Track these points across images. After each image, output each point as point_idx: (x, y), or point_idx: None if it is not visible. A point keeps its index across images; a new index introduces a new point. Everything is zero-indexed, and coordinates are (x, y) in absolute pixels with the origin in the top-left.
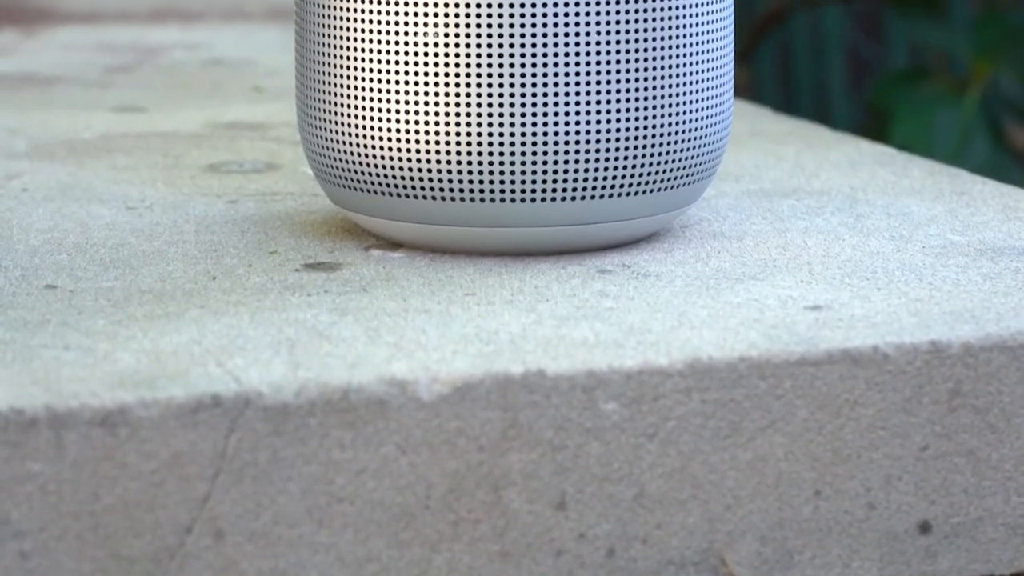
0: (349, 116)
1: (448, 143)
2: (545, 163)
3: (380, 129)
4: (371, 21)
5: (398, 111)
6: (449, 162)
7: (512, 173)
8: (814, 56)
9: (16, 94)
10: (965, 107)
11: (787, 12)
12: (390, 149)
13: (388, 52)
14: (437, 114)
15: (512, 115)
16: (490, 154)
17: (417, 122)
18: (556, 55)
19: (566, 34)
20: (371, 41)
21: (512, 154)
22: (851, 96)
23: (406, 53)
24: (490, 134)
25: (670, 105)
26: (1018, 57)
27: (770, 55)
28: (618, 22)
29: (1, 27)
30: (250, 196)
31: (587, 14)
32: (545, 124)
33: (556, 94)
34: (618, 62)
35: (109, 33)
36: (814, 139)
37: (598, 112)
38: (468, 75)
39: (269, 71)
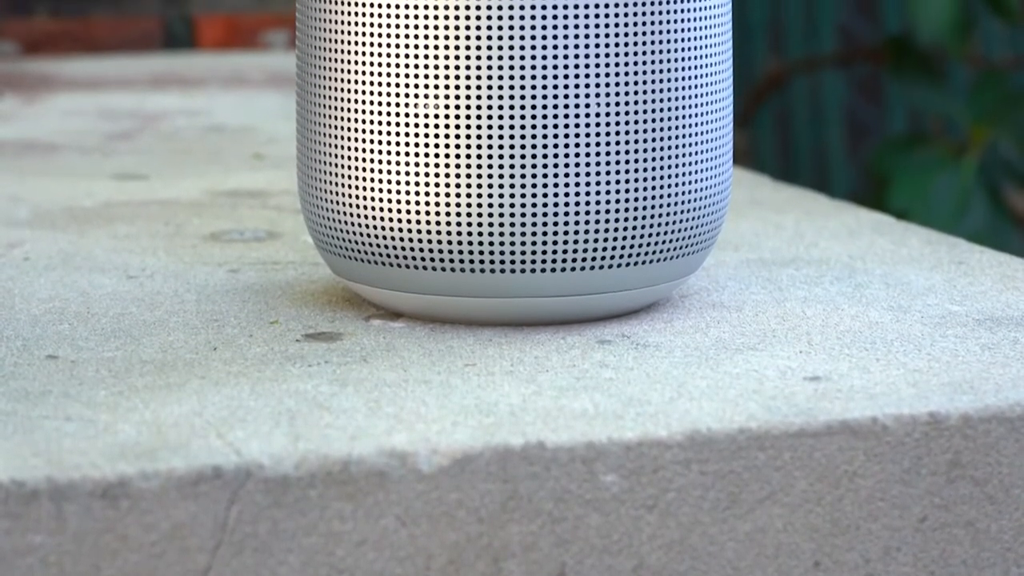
0: (349, 187)
1: (448, 214)
2: (545, 234)
3: (380, 200)
4: (372, 92)
5: (399, 182)
6: (449, 233)
7: (512, 244)
8: (813, 120)
9: (18, 161)
10: (963, 171)
11: (786, 77)
12: (390, 220)
13: (388, 123)
14: (438, 185)
15: (512, 186)
16: (490, 225)
17: (418, 192)
18: (556, 127)
19: (566, 106)
20: (371, 112)
21: (512, 225)
22: (850, 159)
23: (407, 124)
24: (490, 205)
25: (670, 177)
26: (1016, 121)
27: (769, 119)
28: (618, 94)
29: (3, 93)
30: (251, 265)
31: (586, 87)
32: (545, 195)
33: (556, 165)
34: (618, 134)
35: (110, 99)
36: (813, 207)
37: (598, 183)
38: (468, 146)
39: (269, 138)
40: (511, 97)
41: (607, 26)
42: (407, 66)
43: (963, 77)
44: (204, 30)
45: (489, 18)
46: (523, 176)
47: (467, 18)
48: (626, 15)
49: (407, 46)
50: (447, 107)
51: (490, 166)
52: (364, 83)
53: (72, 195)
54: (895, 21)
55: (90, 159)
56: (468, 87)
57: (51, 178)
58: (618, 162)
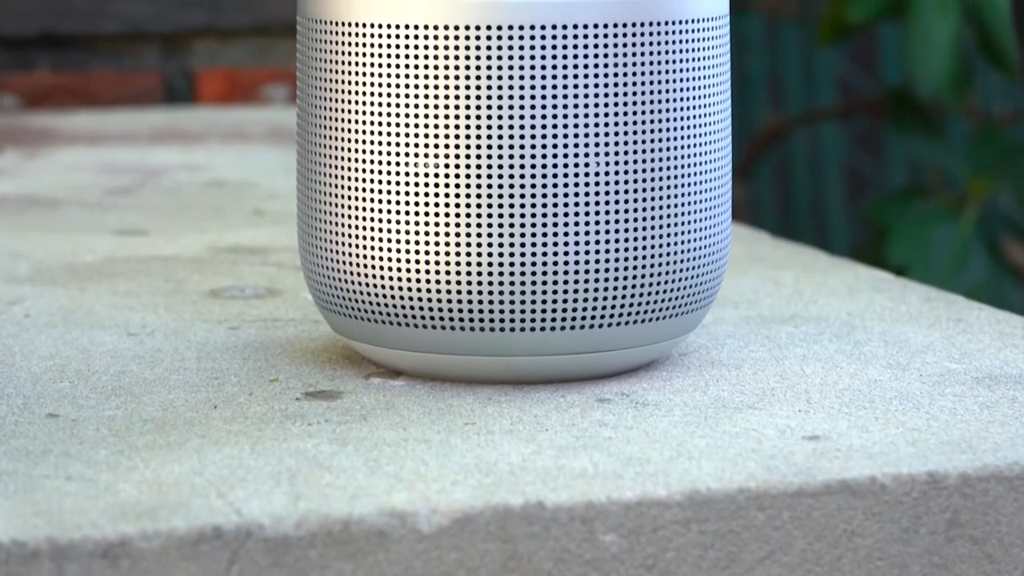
0: (349, 245)
1: (448, 273)
2: (544, 293)
3: (380, 258)
4: (371, 150)
5: (398, 240)
6: (449, 292)
7: (511, 303)
8: (812, 172)
9: (19, 217)
10: (962, 224)
11: (786, 129)
12: (390, 278)
13: (388, 181)
14: (437, 244)
15: (512, 245)
16: (489, 284)
17: (417, 252)
18: (555, 186)
19: (565, 166)
20: (371, 170)
21: (511, 284)
22: (849, 211)
23: (406, 183)
24: (489, 264)
25: (669, 236)
26: (1014, 175)
27: (769, 171)
28: (617, 153)
29: (4, 148)
30: (251, 322)
31: (585, 146)
32: (544, 255)
33: (555, 224)
34: (617, 192)
35: (111, 154)
36: (812, 264)
37: (596, 243)
38: (468, 205)
39: (270, 194)
40: (511, 157)
41: (607, 86)
42: (407, 125)
43: (962, 130)
44: (204, 84)
45: (489, 78)
46: (523, 235)
47: (467, 78)
48: (626, 75)
49: (407, 105)
50: (447, 166)
51: (489, 225)
52: (363, 141)
53: (73, 251)
54: (894, 74)
55: (91, 214)
56: (468, 146)
57: (52, 234)
58: (617, 221)
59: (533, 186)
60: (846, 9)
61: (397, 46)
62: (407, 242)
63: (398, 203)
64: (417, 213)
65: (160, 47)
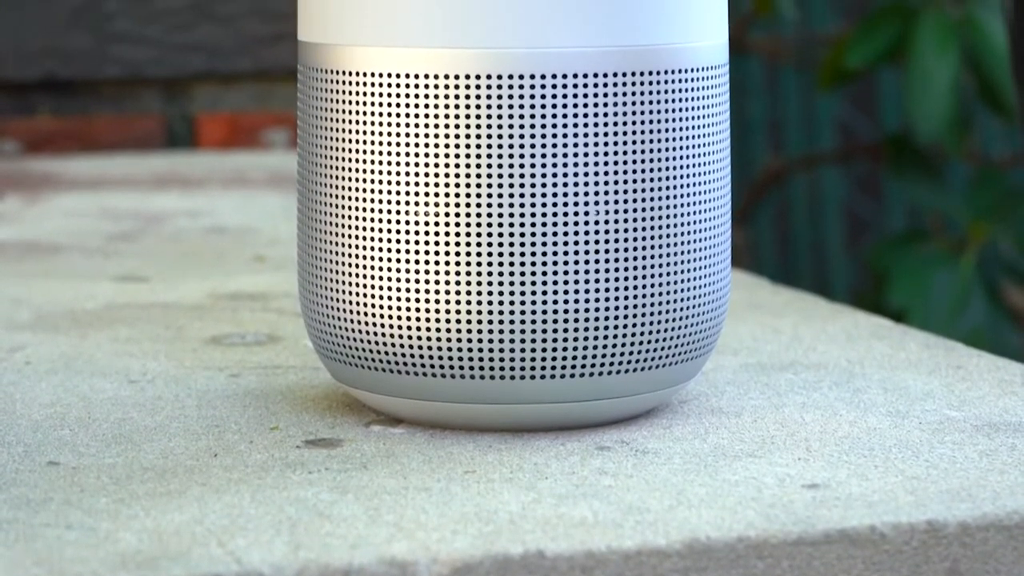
0: (348, 293)
1: (448, 321)
2: (544, 341)
3: (380, 307)
4: (370, 199)
5: (398, 289)
6: (449, 340)
7: (512, 351)
8: (812, 216)
9: (20, 263)
10: (962, 268)
11: (785, 173)
12: (390, 327)
13: (387, 230)
14: (437, 292)
15: (512, 294)
16: (489, 332)
17: (417, 300)
18: (555, 235)
19: (565, 213)
20: (370, 219)
21: (511, 332)
22: (849, 255)
23: (406, 232)
24: (489, 312)
25: (669, 284)
26: (1014, 219)
27: (769, 215)
28: (616, 202)
29: (5, 194)
30: (252, 369)
31: (585, 194)
32: (544, 303)
33: (555, 273)
34: (616, 241)
35: (112, 199)
36: (811, 311)
37: (597, 291)
38: (468, 254)
39: (271, 239)
40: (511, 205)
41: (607, 135)
42: (407, 173)
43: (962, 174)
44: (205, 129)
45: (489, 127)
46: (523, 284)
47: (467, 127)
48: (625, 124)
49: (407, 154)
50: (447, 215)
51: (489, 273)
52: (363, 189)
53: (74, 297)
54: (894, 119)
55: (92, 260)
56: (468, 194)
57: (53, 280)
58: (617, 269)
59: (533, 234)
60: (845, 54)
61: (397, 95)
62: (407, 290)
63: (398, 251)
64: (417, 261)
65: (161, 92)
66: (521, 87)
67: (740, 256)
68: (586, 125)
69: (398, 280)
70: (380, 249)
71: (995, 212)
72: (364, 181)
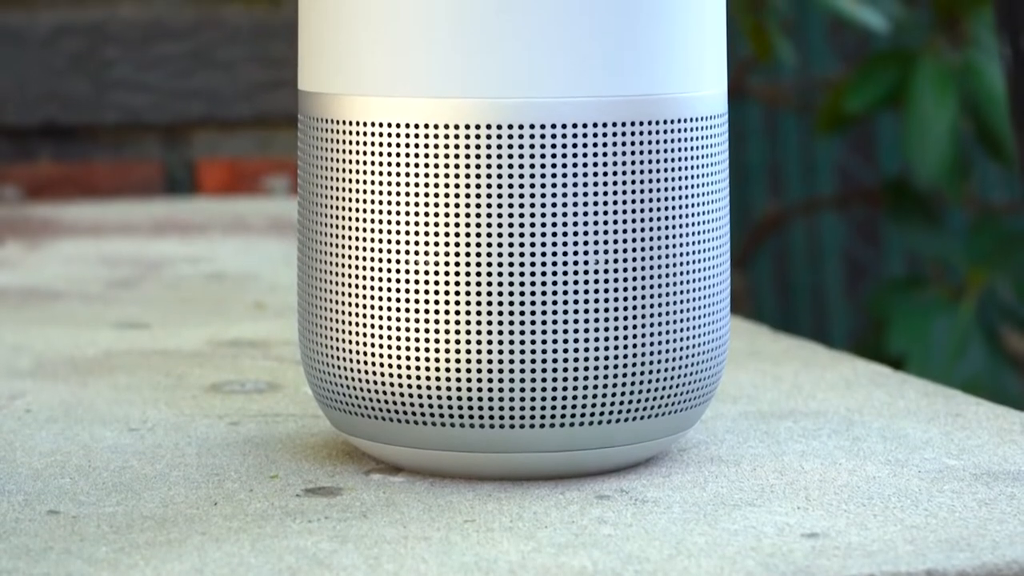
0: (347, 342)
1: (448, 370)
2: (544, 390)
3: (378, 355)
4: (369, 248)
5: (396, 338)
6: (448, 389)
7: (511, 400)
8: (811, 261)
9: (20, 309)
10: (961, 314)
11: (784, 219)
12: (388, 375)
13: (386, 279)
14: (437, 341)
15: (511, 343)
16: (489, 381)
17: (417, 349)
18: (555, 283)
19: (564, 263)
20: (369, 268)
21: (511, 381)
22: (849, 300)
23: (405, 281)
24: (489, 361)
25: (668, 333)
26: (1013, 264)
27: (768, 260)
28: (616, 251)
29: (5, 239)
30: (252, 417)
31: (584, 243)
32: (544, 352)
33: (555, 322)
34: (616, 291)
35: (112, 245)
36: (811, 359)
37: (596, 340)
38: (468, 302)
39: (271, 286)
40: (510, 254)
41: (606, 184)
42: (407, 223)
43: (960, 219)
44: (205, 175)
45: (488, 176)
46: (522, 333)
47: (467, 176)
48: (624, 173)
49: (407, 203)
50: (446, 264)
51: (489, 322)
52: (363, 239)
53: (74, 344)
54: (892, 163)
55: (92, 307)
56: (468, 244)
57: (53, 327)
58: (616, 319)
59: (532, 283)
60: (845, 99)
61: (397, 144)
62: (406, 339)
63: (397, 300)
64: (417, 310)
65: (161, 138)
66: (521, 136)
67: (739, 301)
68: (585, 174)
69: (397, 329)
70: (379, 298)
71: (994, 257)
72: (364, 230)
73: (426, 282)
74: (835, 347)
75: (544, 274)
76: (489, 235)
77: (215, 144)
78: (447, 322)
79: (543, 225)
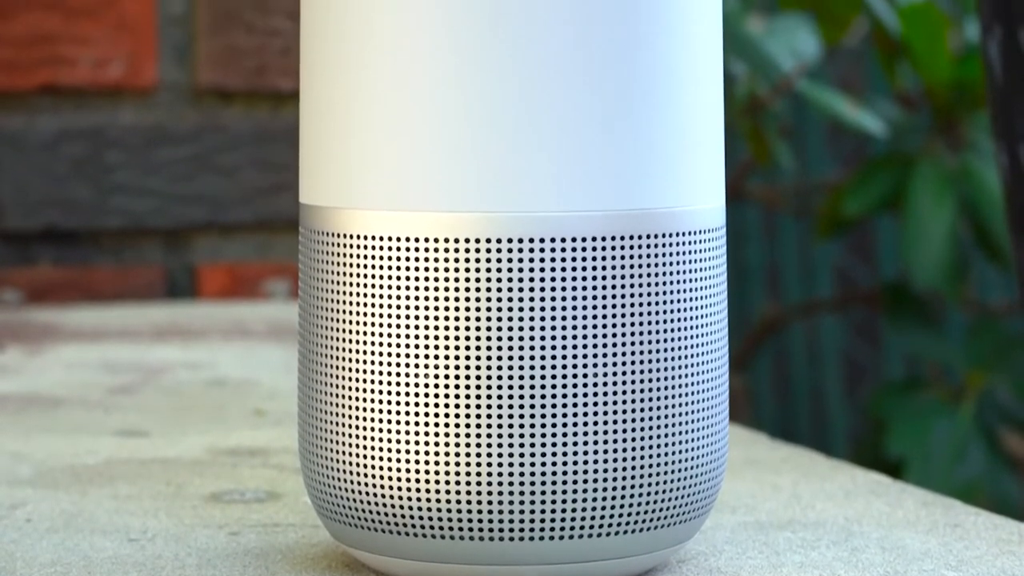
0: (346, 454)
1: (446, 483)
2: (543, 503)
3: (377, 467)
4: (368, 360)
5: (395, 451)
6: (448, 501)
7: (511, 513)
8: (810, 363)
9: (21, 416)
10: (961, 416)
11: (783, 321)
12: (387, 488)
13: (385, 391)
14: (437, 454)
15: (511, 456)
16: (488, 494)
17: (417, 461)
18: (555, 396)
19: (564, 376)
20: (368, 380)
21: (510, 494)
22: (848, 401)
23: (406, 394)
24: (488, 475)
25: (669, 444)
26: (1012, 366)
27: (767, 361)
28: (615, 364)
29: (6, 345)
30: (251, 527)
31: (584, 356)
32: (543, 465)
33: (554, 435)
34: (616, 403)
35: (113, 351)
36: (810, 468)
37: (595, 452)
38: (467, 416)
39: (271, 392)
40: (510, 368)
41: (604, 297)
42: (406, 335)
43: (959, 321)
44: (206, 279)
45: (488, 289)
46: (521, 446)
47: (467, 289)
48: (623, 286)
49: (407, 316)
50: (446, 377)
51: (488, 435)
52: (362, 351)
53: (75, 452)
54: (891, 266)
55: (92, 414)
56: (468, 356)
57: (54, 435)
58: (616, 431)
59: (532, 396)
60: (843, 203)
61: (397, 257)
62: (406, 452)
63: (396, 412)
64: (416, 423)
65: (162, 242)
66: (520, 250)
67: (739, 403)
68: (584, 287)
69: (397, 441)
70: (378, 410)
71: (993, 360)
72: (364, 342)
73: (426, 395)
74: (835, 448)
75: (544, 387)
76: (489, 348)
77: (216, 248)
78: (447, 435)
79: (543, 338)
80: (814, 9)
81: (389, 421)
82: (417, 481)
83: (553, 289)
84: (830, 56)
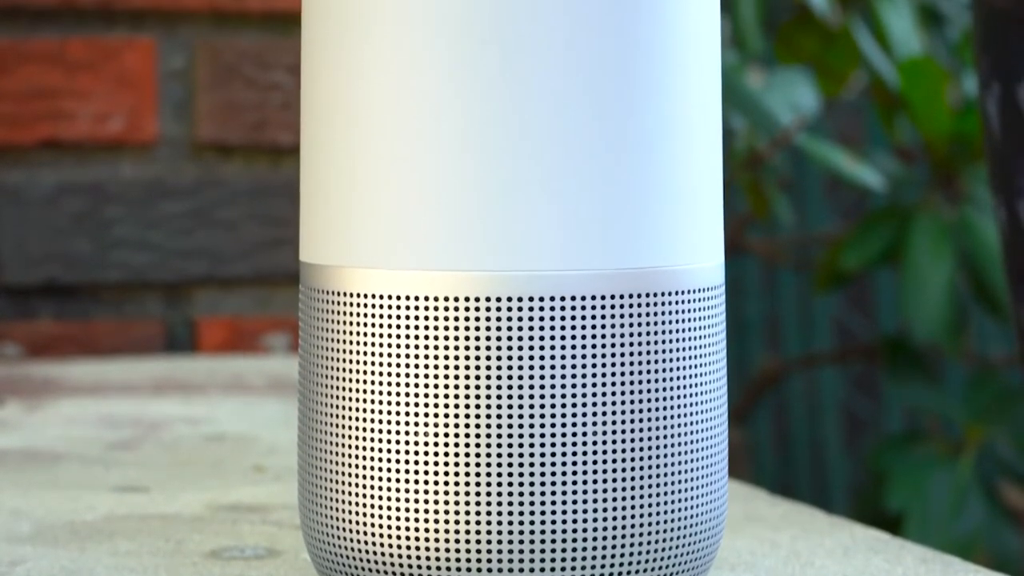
0: (346, 512)
1: (448, 541)
2: (543, 560)
3: (377, 525)
4: (368, 419)
5: (396, 508)
6: (448, 558)
7: (509, 566)
8: (810, 415)
9: (20, 472)
10: (960, 469)
11: (783, 373)
12: (387, 544)
13: (384, 450)
14: (437, 512)
15: (510, 513)
16: (488, 549)
17: (417, 519)
18: (554, 452)
19: (563, 434)
20: (367, 439)
21: (511, 552)
22: (848, 454)
23: (405, 452)
24: (488, 531)
25: (667, 502)
26: (1011, 419)
27: (767, 414)
28: (614, 421)
29: (5, 400)
30: None
31: (583, 414)
32: (543, 523)
33: (554, 494)
34: (615, 460)
35: (112, 405)
36: (809, 524)
37: (595, 510)
38: (467, 474)
39: (270, 448)
40: (509, 425)
41: (604, 356)
42: (406, 395)
43: (959, 374)
44: (206, 333)
45: (488, 348)
46: (520, 503)
47: (466, 348)
48: (623, 344)
49: (407, 375)
50: (446, 435)
51: (488, 493)
52: (361, 410)
53: (74, 508)
54: (890, 319)
55: (92, 470)
56: (467, 415)
57: (53, 491)
58: (615, 489)
59: (532, 455)
60: (842, 256)
61: (396, 316)
62: (405, 511)
63: (396, 471)
64: (416, 481)
65: (162, 296)
66: (520, 309)
67: (738, 456)
68: (584, 346)
69: (396, 500)
70: (378, 468)
71: (992, 412)
72: (363, 400)
73: (426, 452)
74: (835, 501)
75: (544, 445)
76: (489, 407)
77: (216, 302)
78: (447, 493)
79: (543, 397)
80: (813, 63)
81: (389, 479)
82: (416, 539)
83: (553, 348)
84: (829, 110)
